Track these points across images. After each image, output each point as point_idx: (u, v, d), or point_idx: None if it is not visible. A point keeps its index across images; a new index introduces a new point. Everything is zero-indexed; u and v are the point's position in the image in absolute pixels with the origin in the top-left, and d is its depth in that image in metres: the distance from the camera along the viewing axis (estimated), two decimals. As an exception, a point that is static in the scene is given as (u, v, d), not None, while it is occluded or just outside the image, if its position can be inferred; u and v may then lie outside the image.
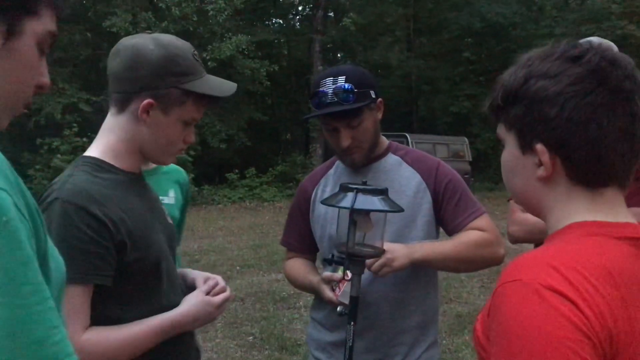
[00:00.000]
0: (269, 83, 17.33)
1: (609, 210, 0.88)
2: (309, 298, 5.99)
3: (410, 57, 22.61)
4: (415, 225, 1.77)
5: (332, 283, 1.68)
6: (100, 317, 1.21)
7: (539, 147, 0.87)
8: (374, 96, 1.75)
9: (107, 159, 1.30)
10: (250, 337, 5.07)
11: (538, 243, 2.22)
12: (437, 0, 22.20)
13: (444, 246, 1.74)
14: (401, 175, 1.82)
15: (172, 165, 2.32)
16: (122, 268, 1.22)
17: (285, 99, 22.56)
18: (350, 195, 1.50)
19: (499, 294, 0.80)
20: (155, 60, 1.26)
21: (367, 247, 1.58)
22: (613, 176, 0.87)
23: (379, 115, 1.81)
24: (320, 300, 1.93)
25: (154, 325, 1.25)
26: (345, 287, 1.61)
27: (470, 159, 17.48)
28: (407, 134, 15.55)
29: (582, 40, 2.14)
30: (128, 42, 1.32)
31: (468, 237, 1.75)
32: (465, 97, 20.56)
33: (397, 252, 1.61)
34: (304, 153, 19.53)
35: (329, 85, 1.70)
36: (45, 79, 0.84)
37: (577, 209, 0.88)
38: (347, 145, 1.73)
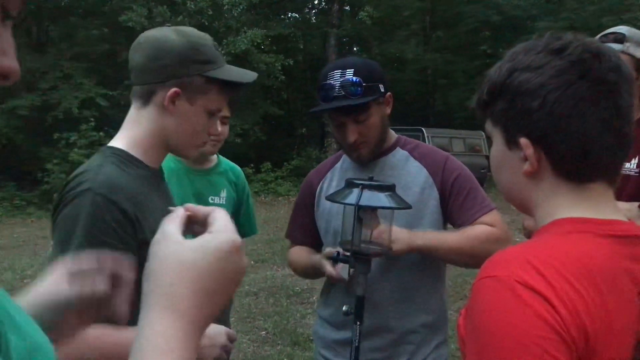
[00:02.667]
0: (284, 77, 17.30)
1: (595, 206, 0.85)
2: (322, 293, 6.01)
3: (427, 51, 22.43)
4: (422, 222, 1.73)
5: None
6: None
7: (523, 141, 0.85)
8: (382, 90, 1.71)
9: (133, 152, 1.29)
10: (263, 332, 5.07)
11: None
12: (454, -7, 22.00)
13: (449, 237, 1.69)
14: (408, 171, 1.77)
15: (229, 163, 2.37)
16: (140, 267, 1.18)
17: (300, 93, 22.50)
18: (355, 191, 1.46)
19: (476, 289, 0.80)
20: (179, 48, 1.26)
21: (373, 244, 1.54)
22: (599, 171, 0.85)
23: (388, 110, 1.77)
24: (327, 298, 1.90)
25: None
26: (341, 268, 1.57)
27: (487, 153, 17.32)
28: (422, 128, 15.43)
29: (612, 29, 2.09)
30: (149, 34, 1.33)
31: (474, 231, 1.70)
32: (482, 91, 20.35)
33: (399, 235, 1.57)
34: (320, 147, 19.49)
35: (336, 78, 1.65)
36: (9, 62, 0.53)
37: (562, 205, 0.86)
38: (354, 140, 1.69)
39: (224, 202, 2.30)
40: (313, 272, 1.86)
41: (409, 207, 1.50)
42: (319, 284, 6.63)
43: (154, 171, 1.34)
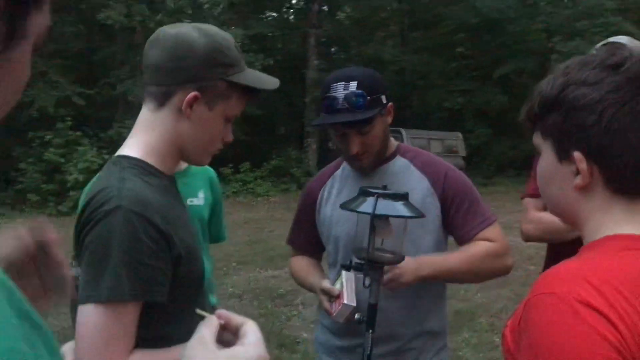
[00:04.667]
0: (264, 77, 17.20)
1: None
2: (307, 295, 5.99)
3: (405, 52, 22.55)
4: (424, 231, 1.74)
5: (329, 297, 1.66)
6: (148, 336, 1.10)
7: (577, 155, 0.86)
8: (384, 101, 1.71)
9: (150, 161, 1.20)
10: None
11: (551, 242, 2.21)
12: (433, -5, 22.18)
13: (452, 260, 1.72)
14: (409, 179, 1.78)
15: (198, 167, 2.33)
16: (174, 282, 1.13)
17: (279, 93, 22.45)
18: (370, 199, 1.46)
19: (532, 305, 0.79)
20: (202, 49, 1.17)
21: (386, 252, 1.55)
22: None
23: (389, 120, 1.78)
24: None
25: None
26: (341, 309, 1.58)
27: (465, 154, 17.50)
28: (401, 130, 15.51)
29: (612, 39, 2.10)
30: (169, 30, 1.21)
31: (475, 250, 1.73)
32: (459, 93, 20.55)
33: (405, 267, 1.59)
34: (299, 147, 19.47)
35: (340, 91, 1.65)
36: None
37: (614, 220, 0.86)
38: (357, 151, 1.70)
39: (202, 203, 2.26)
40: (310, 290, 1.89)
41: (422, 215, 1.51)
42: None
43: (170, 178, 1.26)
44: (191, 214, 2.21)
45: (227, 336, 0.75)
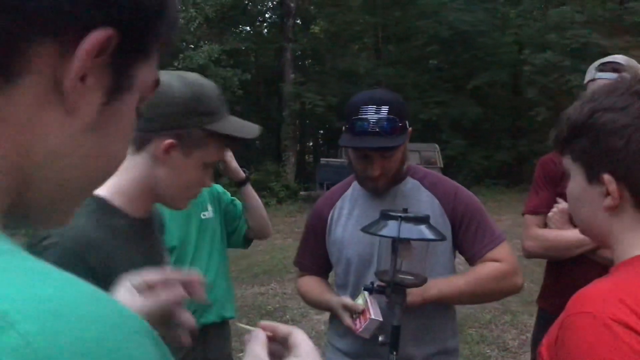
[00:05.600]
0: (241, 92, 17.23)
1: None
2: (295, 311, 5.98)
3: (380, 65, 22.79)
4: (435, 251, 1.76)
5: (353, 313, 1.67)
6: None
7: (606, 177, 0.90)
8: (408, 127, 1.74)
9: (115, 201, 1.20)
10: (240, 354, 4.98)
11: (552, 259, 2.24)
12: (405, 9, 22.45)
13: (459, 282, 1.74)
14: (420, 200, 1.81)
15: None
16: None
17: (255, 107, 22.46)
18: (392, 223, 1.48)
19: (568, 324, 0.82)
20: (181, 98, 1.19)
21: (408, 275, 1.56)
22: None
23: (407, 142, 1.81)
24: (339, 328, 1.90)
25: None
26: (368, 324, 1.59)
27: (442, 166, 17.66)
28: (380, 142, 15.58)
29: (608, 59, 2.14)
30: None
31: (483, 271, 1.76)
32: (434, 104, 20.80)
33: (412, 289, 1.60)
34: (277, 161, 19.45)
35: (371, 114, 1.66)
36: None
37: None
38: (378, 174, 1.72)
39: (212, 216, 2.29)
40: (326, 309, 1.89)
41: (444, 238, 1.53)
42: (290, 302, 6.62)
43: (137, 221, 1.24)
44: (206, 227, 2.23)
45: (274, 347, 0.73)
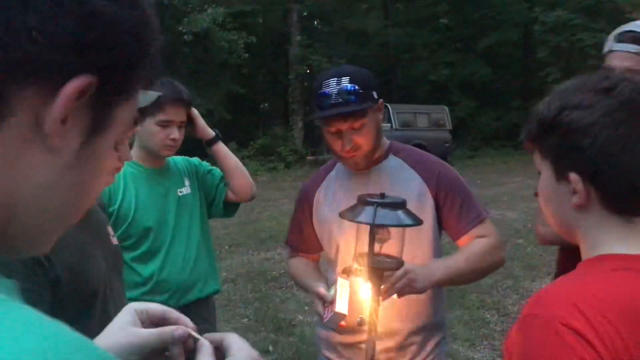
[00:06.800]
0: (247, 55, 17.07)
1: None
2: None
3: (388, 25, 22.41)
4: (421, 229, 1.78)
5: (323, 302, 1.70)
6: None
7: (573, 176, 0.90)
8: (375, 97, 1.76)
9: None
10: (245, 319, 5.11)
11: (566, 246, 2.15)
12: (414, -34, 21.98)
13: (458, 262, 1.77)
14: (404, 178, 1.83)
15: (177, 157, 2.35)
16: (55, 302, 1.17)
17: (262, 70, 22.27)
18: (368, 209, 1.50)
19: (523, 324, 0.86)
20: None
21: (385, 257, 1.59)
22: None
23: (380, 116, 1.82)
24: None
25: None
26: (332, 316, 1.62)
27: (451, 127, 17.54)
28: (388, 105, 15.51)
29: (629, 25, 1.92)
30: None
31: (477, 248, 1.80)
32: (444, 65, 20.52)
33: (419, 274, 1.63)
34: (284, 125, 19.39)
35: (333, 86, 1.70)
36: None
37: (609, 239, 0.91)
38: (349, 148, 1.73)
39: (190, 192, 2.30)
40: (307, 292, 1.93)
41: (421, 222, 1.55)
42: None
43: None
44: (184, 204, 2.24)
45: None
